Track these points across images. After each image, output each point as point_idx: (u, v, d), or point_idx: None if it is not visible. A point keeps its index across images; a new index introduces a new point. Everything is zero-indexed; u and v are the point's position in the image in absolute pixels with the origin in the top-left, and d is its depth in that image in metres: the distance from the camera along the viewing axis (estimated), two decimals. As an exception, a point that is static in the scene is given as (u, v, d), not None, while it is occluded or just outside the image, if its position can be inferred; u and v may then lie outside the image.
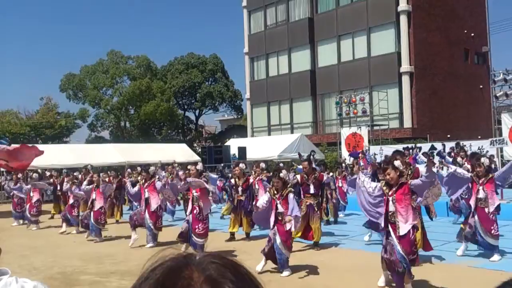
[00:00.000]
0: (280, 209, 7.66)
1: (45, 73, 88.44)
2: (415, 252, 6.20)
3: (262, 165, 12.33)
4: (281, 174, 7.89)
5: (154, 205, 10.51)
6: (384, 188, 6.35)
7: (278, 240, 7.60)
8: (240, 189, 11.16)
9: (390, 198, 6.24)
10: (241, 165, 11.65)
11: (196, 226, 8.98)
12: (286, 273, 7.62)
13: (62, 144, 31.97)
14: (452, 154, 14.58)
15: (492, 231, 7.89)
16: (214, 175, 12.81)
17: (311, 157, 10.31)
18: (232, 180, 11.40)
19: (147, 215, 10.50)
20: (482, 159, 8.12)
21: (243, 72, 34.98)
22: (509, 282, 0.90)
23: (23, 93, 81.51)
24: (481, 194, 7.96)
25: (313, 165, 10.13)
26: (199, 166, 9.77)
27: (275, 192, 7.82)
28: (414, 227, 6.18)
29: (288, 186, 7.96)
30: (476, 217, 8.02)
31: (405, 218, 6.10)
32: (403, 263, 5.99)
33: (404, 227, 6.09)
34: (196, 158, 26.52)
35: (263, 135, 31.57)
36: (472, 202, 8.15)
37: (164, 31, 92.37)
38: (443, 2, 28.52)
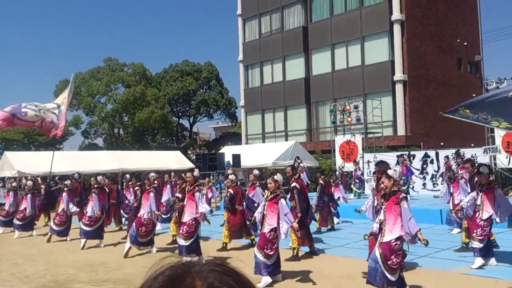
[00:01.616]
0: (266, 211, 7.68)
1: (40, 79, 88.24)
2: (396, 263, 6.01)
3: (256, 172, 12.31)
4: (275, 177, 7.93)
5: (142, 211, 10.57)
6: (381, 199, 6.39)
7: (256, 243, 7.67)
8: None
9: (383, 207, 6.28)
10: (231, 176, 11.67)
11: (181, 228, 9.14)
12: (262, 282, 7.35)
13: (56, 151, 31.80)
14: (445, 164, 14.73)
15: (474, 234, 7.96)
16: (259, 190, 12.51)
17: (295, 163, 10.44)
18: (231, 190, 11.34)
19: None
20: (481, 168, 8.20)
21: (238, 79, 35.10)
22: None
23: (17, 100, 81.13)
24: (479, 201, 8.05)
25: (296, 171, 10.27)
26: (196, 172, 9.80)
27: (269, 194, 7.89)
28: (401, 239, 6.07)
29: (280, 190, 7.94)
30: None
31: (391, 227, 6.11)
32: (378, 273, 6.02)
33: (388, 236, 6.11)
34: (190, 165, 26.46)
35: (258, 142, 31.56)
36: (471, 209, 8.26)
37: (159, 39, 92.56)
38: (436, 11, 28.78)
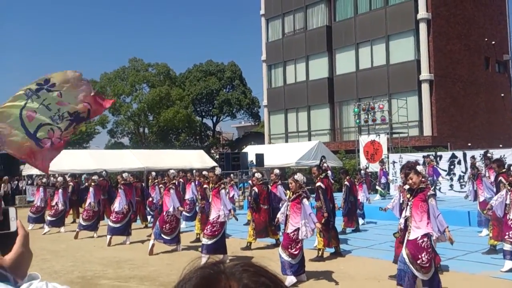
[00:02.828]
0: (289, 211, 7.67)
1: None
2: (427, 261, 5.88)
3: (277, 171, 12.33)
4: (295, 176, 7.89)
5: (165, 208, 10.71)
6: (408, 194, 6.32)
7: (281, 244, 7.66)
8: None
9: (409, 203, 6.21)
10: (257, 174, 11.68)
11: (206, 227, 9.15)
12: (287, 282, 7.30)
13: (82, 149, 32.40)
14: (471, 163, 14.49)
15: (506, 237, 7.76)
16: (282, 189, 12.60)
17: (321, 163, 10.38)
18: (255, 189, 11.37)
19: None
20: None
21: (261, 79, 35.12)
22: None
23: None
24: (508, 200, 7.87)
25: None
26: (218, 171, 9.74)
27: (291, 194, 7.87)
28: (428, 236, 5.96)
29: (302, 190, 7.91)
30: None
31: (418, 224, 6.01)
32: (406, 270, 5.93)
33: (415, 232, 6.01)
34: (214, 164, 26.59)
35: (281, 142, 31.53)
36: (501, 210, 8.07)
37: (183, 39, 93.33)
38: (463, 10, 28.24)
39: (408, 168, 6.45)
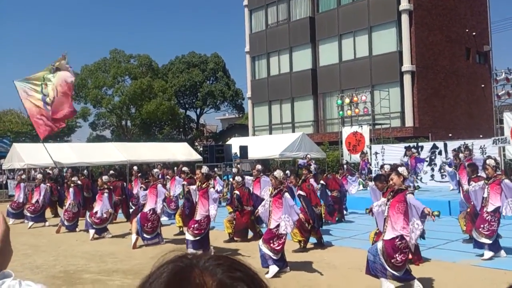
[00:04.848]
0: (271, 207, 7.72)
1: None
2: (401, 261, 5.98)
3: (259, 166, 12.37)
4: (275, 173, 7.98)
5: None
6: (388, 196, 6.41)
7: (262, 237, 7.71)
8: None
9: (387, 203, 6.30)
10: (237, 178, 11.58)
11: (192, 225, 8.99)
12: (269, 272, 7.40)
13: (64, 143, 31.96)
14: (453, 154, 14.74)
15: (481, 229, 7.90)
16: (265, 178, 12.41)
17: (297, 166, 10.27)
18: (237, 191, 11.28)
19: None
20: (488, 161, 8.12)
21: (244, 71, 34.99)
22: None
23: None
24: (485, 193, 7.98)
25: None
26: (204, 169, 9.40)
27: (272, 190, 7.93)
28: (402, 237, 6.03)
29: (283, 185, 8.01)
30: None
31: (393, 225, 6.11)
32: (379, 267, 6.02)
33: (390, 232, 6.12)
34: (198, 157, 26.52)
35: (264, 134, 31.55)
36: (478, 203, 8.20)
37: (165, 30, 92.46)
38: (445, 1, 28.46)
39: (391, 170, 6.59)
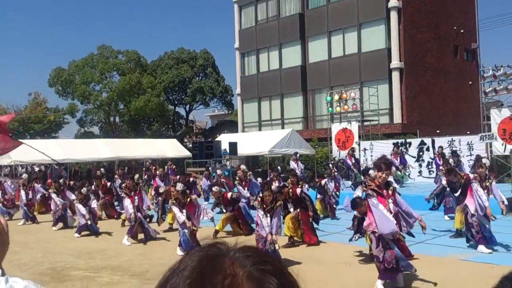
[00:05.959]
0: (266, 222, 7.75)
1: (34, 68, 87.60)
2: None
3: (243, 167, 12.44)
4: (272, 187, 8.02)
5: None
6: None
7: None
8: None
9: (390, 200, 6.28)
10: (214, 188, 11.71)
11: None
12: None
13: (51, 139, 31.66)
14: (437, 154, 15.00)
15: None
16: (255, 181, 12.75)
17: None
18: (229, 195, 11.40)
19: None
20: (484, 160, 8.39)
21: (234, 67, 34.92)
22: (509, 276, 0.90)
23: (12, 89, 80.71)
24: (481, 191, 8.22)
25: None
26: (179, 186, 9.21)
27: (265, 205, 7.85)
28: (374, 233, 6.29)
29: (277, 198, 8.12)
30: None
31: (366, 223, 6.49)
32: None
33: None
34: (187, 153, 26.44)
35: (254, 130, 31.53)
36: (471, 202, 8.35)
37: (154, 26, 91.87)
38: (433, -2, 28.64)
39: (386, 165, 6.54)
